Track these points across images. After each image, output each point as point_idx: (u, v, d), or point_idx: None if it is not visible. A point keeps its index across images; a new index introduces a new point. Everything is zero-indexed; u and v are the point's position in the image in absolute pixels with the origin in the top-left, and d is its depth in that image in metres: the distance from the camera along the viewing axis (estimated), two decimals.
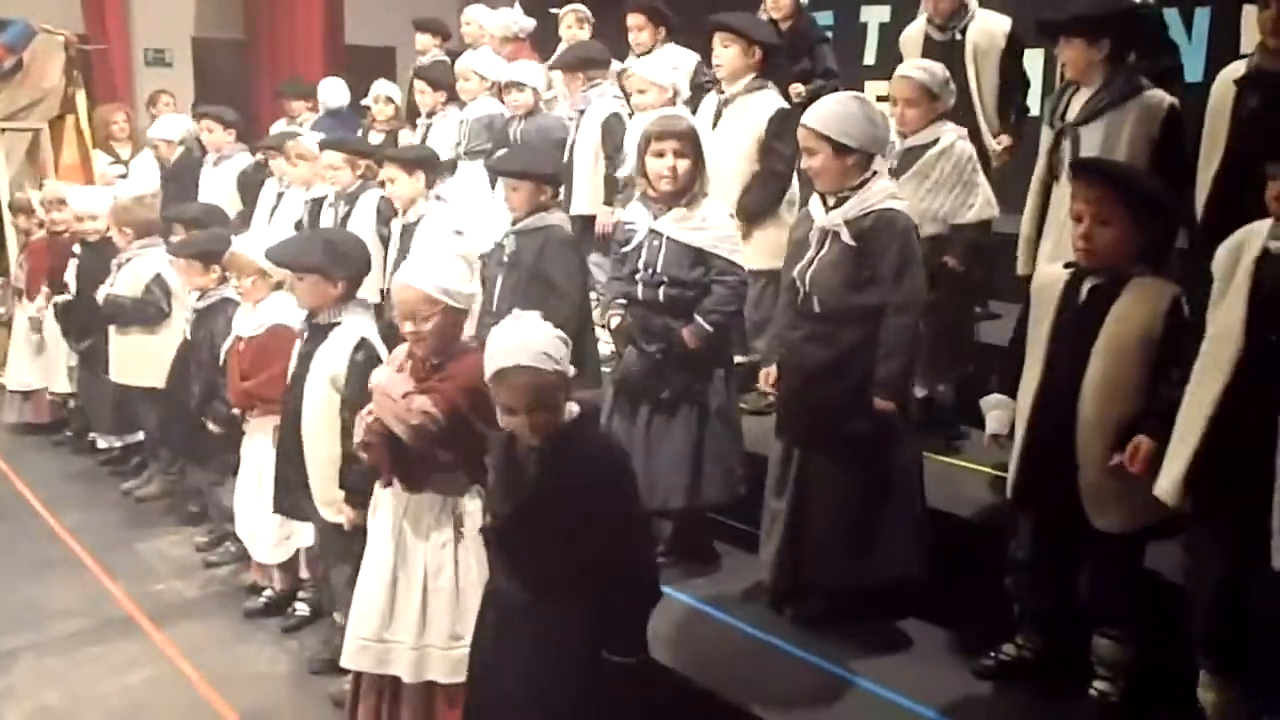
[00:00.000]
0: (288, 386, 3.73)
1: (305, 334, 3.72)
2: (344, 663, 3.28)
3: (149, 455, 5.78)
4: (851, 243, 3.31)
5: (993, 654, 3.27)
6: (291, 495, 3.74)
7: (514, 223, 4.20)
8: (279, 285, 4.18)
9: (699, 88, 5.18)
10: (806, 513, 3.49)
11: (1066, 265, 3.00)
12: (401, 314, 3.08)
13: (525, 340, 2.54)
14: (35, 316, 6.46)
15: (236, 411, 4.28)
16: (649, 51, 5.52)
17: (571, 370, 2.56)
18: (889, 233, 3.30)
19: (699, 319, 3.73)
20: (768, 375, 3.65)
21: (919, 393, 4.08)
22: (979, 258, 4.26)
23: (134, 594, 4.64)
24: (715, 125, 4.70)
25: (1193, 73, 5.43)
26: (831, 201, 3.40)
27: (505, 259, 4.17)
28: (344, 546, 3.65)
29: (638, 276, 3.81)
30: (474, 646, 2.85)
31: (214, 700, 3.84)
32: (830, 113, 3.36)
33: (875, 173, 3.40)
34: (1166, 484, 2.61)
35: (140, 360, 5.36)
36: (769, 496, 3.63)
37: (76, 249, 6.00)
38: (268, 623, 4.36)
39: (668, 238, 3.75)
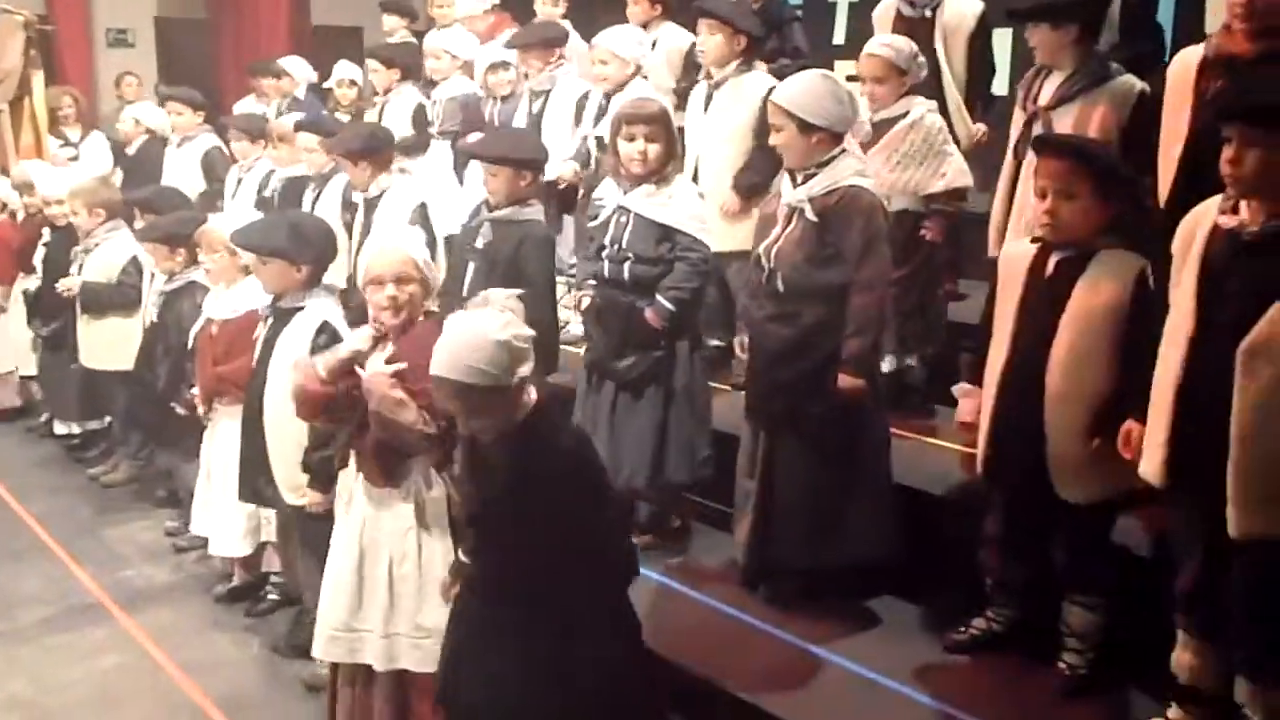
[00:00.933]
0: (251, 371, 3.70)
1: (269, 318, 3.69)
2: (315, 653, 3.27)
3: (117, 440, 5.73)
4: (814, 218, 3.32)
5: (963, 628, 3.30)
6: (255, 481, 3.71)
7: (490, 208, 4.14)
8: (249, 268, 4.14)
9: (695, 67, 5.14)
10: (775, 493, 3.50)
11: (1033, 240, 3.02)
12: (382, 279, 3.01)
13: (458, 352, 2.46)
14: (1, 302, 6.39)
15: (198, 400, 4.21)
16: (645, 25, 5.48)
17: (518, 377, 2.47)
18: (853, 209, 3.31)
19: (660, 298, 3.73)
20: (743, 344, 3.67)
21: (886, 367, 4.09)
22: (950, 233, 4.27)
23: (102, 580, 4.61)
24: (706, 110, 4.69)
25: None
26: (799, 179, 3.40)
27: (479, 245, 4.12)
28: (308, 532, 3.63)
29: (604, 254, 3.82)
30: (450, 635, 2.82)
31: (185, 686, 3.82)
32: (796, 90, 3.37)
33: (844, 150, 3.40)
34: (1149, 467, 2.64)
35: (111, 344, 5.32)
36: (740, 476, 3.64)
37: (45, 234, 5.93)
38: (238, 608, 4.33)
39: (635, 214, 3.75)
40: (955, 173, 4.12)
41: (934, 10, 4.85)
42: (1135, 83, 3.52)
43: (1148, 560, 3.16)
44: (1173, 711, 2.79)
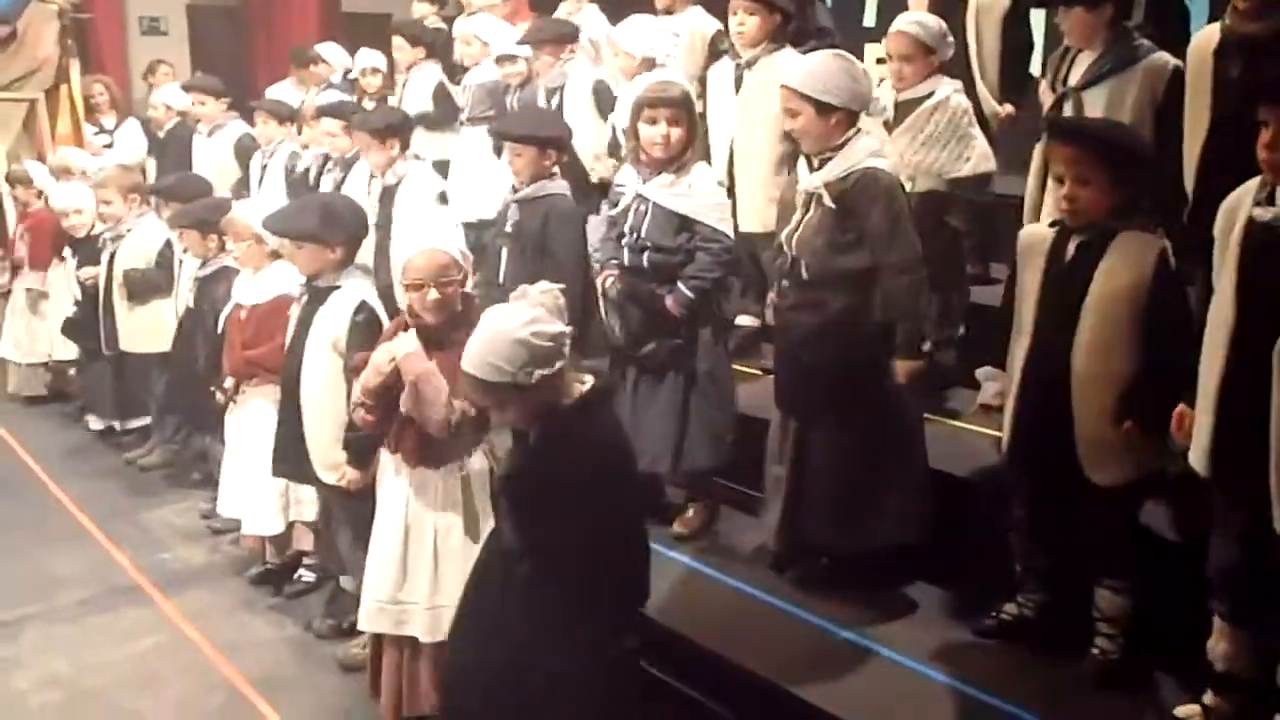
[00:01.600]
0: (287, 350, 3.74)
1: (304, 298, 3.72)
2: (361, 625, 3.33)
3: (153, 424, 5.80)
4: (831, 205, 3.29)
5: (994, 613, 3.29)
6: (291, 459, 3.75)
7: (515, 190, 4.17)
8: (276, 253, 4.18)
9: (718, 54, 5.11)
10: (805, 478, 3.49)
11: (1052, 224, 3.00)
12: (423, 280, 3.06)
13: (480, 348, 2.47)
14: (38, 288, 6.48)
15: (230, 383, 4.26)
16: (669, 11, 5.46)
17: (538, 375, 2.44)
18: (872, 192, 3.27)
19: (681, 286, 3.71)
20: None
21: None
22: (976, 217, 4.23)
23: (140, 563, 4.67)
24: (738, 92, 4.64)
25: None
26: (815, 163, 3.37)
27: (509, 229, 4.15)
28: (347, 509, 3.68)
29: (624, 241, 3.82)
30: (470, 585, 2.83)
31: (222, 666, 3.87)
32: (810, 72, 3.33)
33: (859, 130, 3.36)
34: (1194, 455, 2.62)
35: (149, 328, 5.40)
36: (771, 462, 3.64)
37: (68, 253, 6.00)
38: (272, 589, 4.38)
39: (654, 203, 3.74)
40: (979, 157, 4.07)
41: None
42: (1168, 60, 3.47)
43: (1178, 545, 3.13)
44: (1208, 698, 2.77)
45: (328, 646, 3.92)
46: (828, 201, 3.30)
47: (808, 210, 3.38)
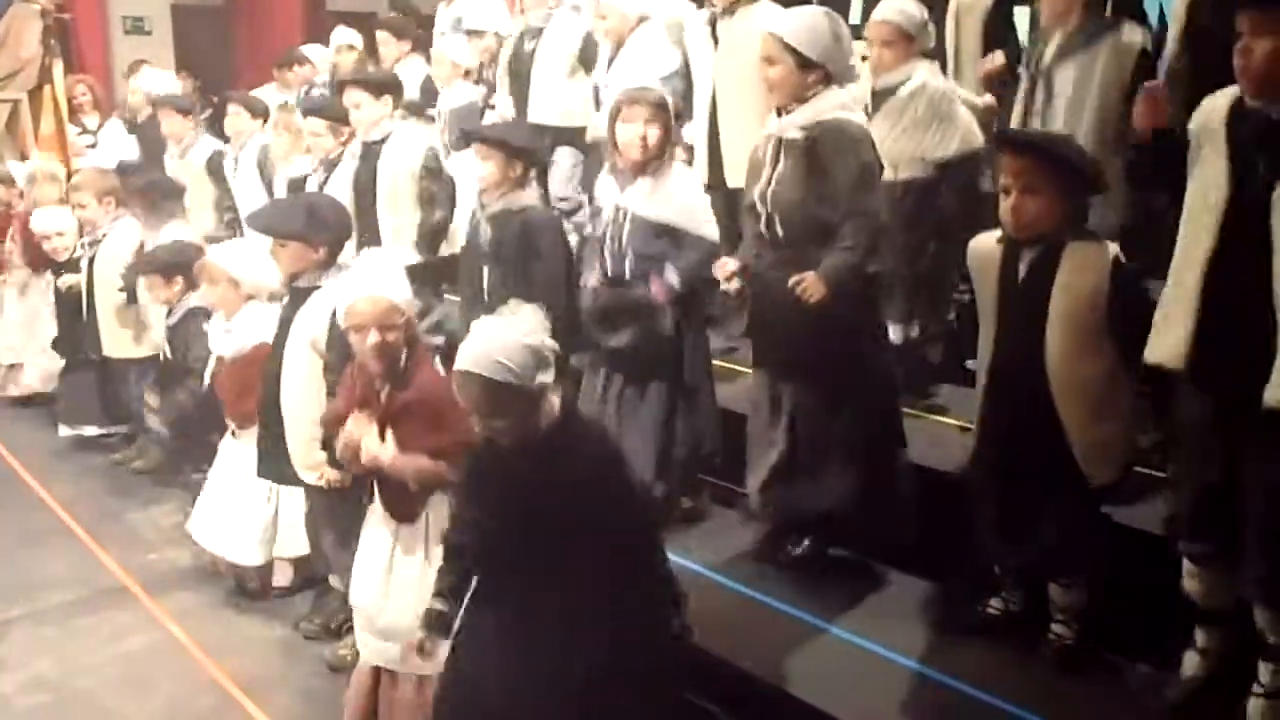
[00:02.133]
0: (268, 354, 3.72)
1: (285, 298, 3.70)
2: (363, 655, 3.31)
3: (140, 426, 5.76)
4: (799, 139, 3.25)
5: (980, 608, 3.31)
6: (275, 460, 3.74)
7: (484, 205, 4.08)
8: (250, 296, 4.12)
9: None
10: (799, 439, 3.47)
11: (999, 239, 3.00)
12: (364, 324, 3.02)
13: (485, 346, 2.47)
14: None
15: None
16: None
17: (539, 382, 2.47)
18: (842, 140, 3.24)
19: (669, 272, 3.69)
20: (723, 264, 3.55)
21: (896, 339, 4.06)
22: (967, 194, 4.19)
23: (126, 564, 4.65)
24: (716, 47, 4.61)
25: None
26: (783, 112, 3.35)
27: (486, 248, 4.06)
28: (329, 510, 3.67)
29: (606, 250, 3.80)
30: (451, 655, 2.76)
31: (209, 667, 3.86)
32: (800, 25, 3.31)
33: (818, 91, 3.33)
34: (1167, 351, 2.57)
35: (133, 334, 5.39)
36: (757, 432, 3.59)
37: (50, 277, 5.98)
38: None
39: (632, 213, 3.73)
40: (965, 134, 4.06)
41: None
42: (1136, 37, 3.48)
43: (1143, 534, 3.14)
44: (1199, 637, 2.79)
45: (316, 647, 3.92)
46: (794, 137, 3.26)
47: (776, 162, 3.34)
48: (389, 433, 3.06)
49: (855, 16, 7.31)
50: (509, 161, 3.97)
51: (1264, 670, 2.65)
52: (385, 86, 5.00)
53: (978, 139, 4.11)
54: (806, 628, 3.40)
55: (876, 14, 4.18)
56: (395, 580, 3.17)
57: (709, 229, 3.78)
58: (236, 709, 3.64)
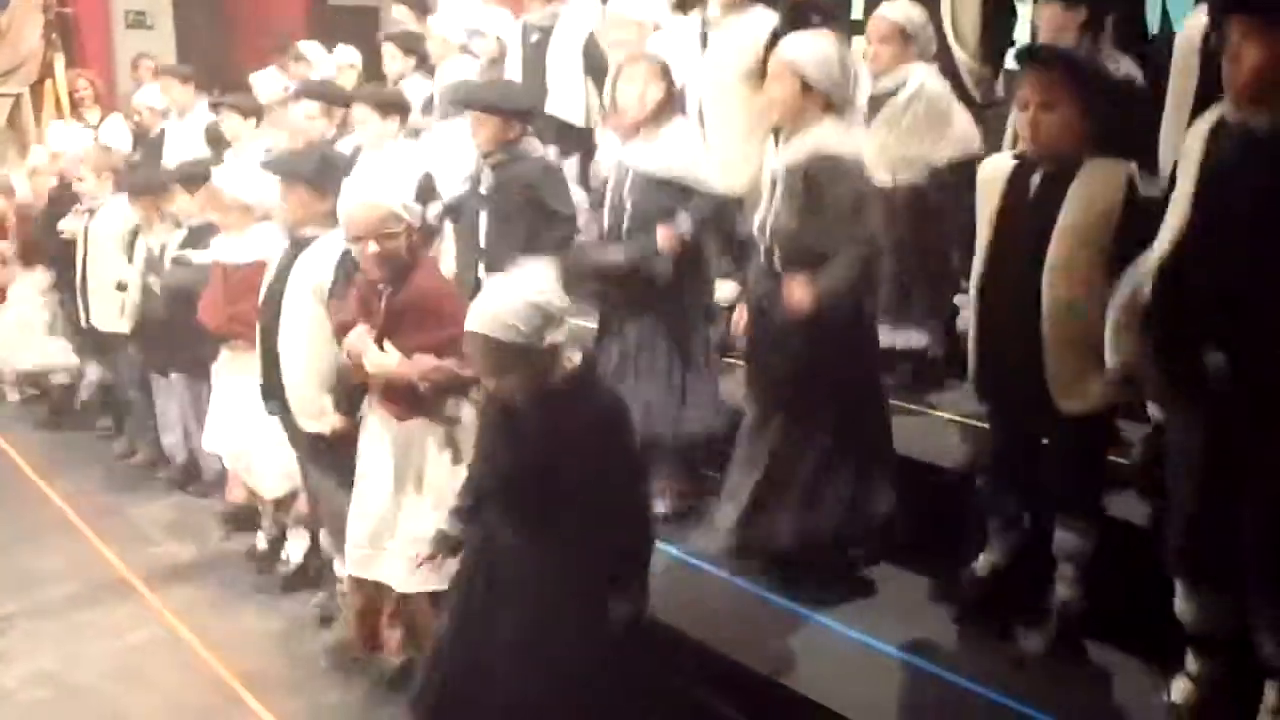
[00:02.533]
0: (265, 299, 3.70)
1: (283, 248, 3.69)
2: (346, 569, 3.36)
3: (124, 411, 5.81)
4: (798, 183, 3.26)
5: (969, 570, 3.29)
6: (276, 405, 3.73)
7: (486, 154, 4.10)
8: (264, 217, 4.15)
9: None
10: (778, 472, 3.46)
11: (1015, 156, 2.96)
12: (363, 233, 3.08)
13: (493, 306, 2.50)
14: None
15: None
16: None
17: (548, 341, 2.50)
18: (836, 171, 3.25)
19: (680, 219, 3.70)
20: (740, 317, 3.64)
21: (901, 344, 4.07)
22: (961, 200, 4.21)
23: (128, 558, 4.67)
24: (704, 48, 4.60)
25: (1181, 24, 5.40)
26: (782, 140, 3.37)
27: (485, 191, 4.09)
28: (327, 458, 3.65)
29: (606, 205, 3.85)
30: (456, 595, 2.85)
31: (210, 661, 3.87)
32: (808, 49, 3.31)
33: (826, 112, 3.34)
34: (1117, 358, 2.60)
35: (118, 308, 5.40)
36: (739, 457, 3.59)
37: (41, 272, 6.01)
38: (261, 583, 4.38)
39: (634, 169, 3.76)
40: (963, 137, 4.05)
41: None
42: (1126, 63, 3.47)
43: (1140, 527, 3.14)
44: (1190, 664, 2.74)
45: (314, 640, 3.93)
46: (792, 179, 3.27)
47: (774, 195, 3.36)
48: (391, 339, 3.09)
49: (858, 11, 7.33)
50: (505, 124, 4.04)
51: (1270, 691, 2.59)
52: (393, 107, 5.02)
53: (975, 141, 4.10)
54: (802, 620, 3.40)
55: (878, 10, 4.17)
56: (400, 490, 3.20)
57: (715, 182, 3.80)
58: (237, 703, 3.65)
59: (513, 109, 4.08)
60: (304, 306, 3.55)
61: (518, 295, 2.50)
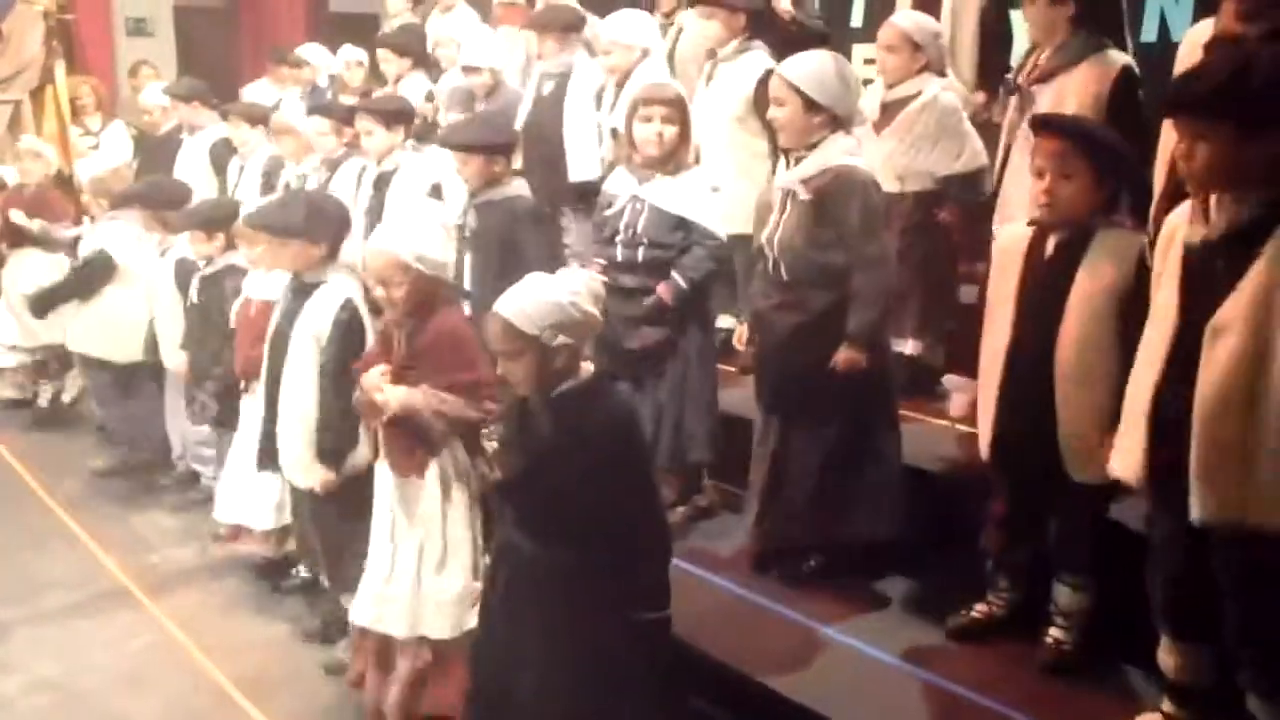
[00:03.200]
0: (269, 347, 3.73)
1: (288, 294, 3.71)
2: (351, 617, 3.34)
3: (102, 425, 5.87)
4: (807, 197, 3.32)
5: (964, 612, 3.31)
6: (273, 453, 3.74)
7: (473, 194, 4.20)
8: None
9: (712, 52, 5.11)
10: (786, 476, 3.52)
11: (1030, 223, 3.01)
12: (375, 278, 3.14)
13: (520, 292, 2.61)
14: None
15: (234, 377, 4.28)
16: (671, 13, 5.46)
17: (560, 340, 2.57)
18: (848, 189, 3.31)
19: (676, 275, 3.75)
20: (740, 335, 3.73)
21: (909, 350, 4.11)
22: (966, 214, 4.24)
23: (128, 565, 4.67)
24: (708, 84, 4.69)
25: (1179, 32, 5.42)
26: (792, 161, 3.42)
27: (468, 234, 4.17)
28: (317, 513, 3.67)
29: (617, 238, 3.84)
30: (483, 601, 2.92)
31: (210, 669, 3.88)
32: (807, 68, 3.36)
33: (837, 132, 3.39)
34: (1125, 467, 2.62)
35: (98, 335, 5.45)
36: (754, 467, 3.66)
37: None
38: (262, 590, 4.40)
39: (649, 204, 3.78)
40: (970, 154, 4.09)
41: None
42: (1118, 58, 3.50)
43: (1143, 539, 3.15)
44: (1166, 705, 2.77)
45: (314, 648, 3.93)
46: (803, 196, 3.33)
47: (784, 210, 3.40)
48: (409, 382, 3.10)
49: (858, 19, 7.36)
50: (489, 159, 4.14)
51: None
52: (398, 116, 5.03)
53: (982, 156, 4.13)
54: (798, 629, 3.41)
55: (889, 19, 4.22)
56: (399, 545, 3.20)
57: (717, 226, 3.82)
58: (237, 710, 3.65)
59: (492, 144, 4.15)
60: (306, 355, 3.56)
61: (544, 290, 2.60)
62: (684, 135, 3.79)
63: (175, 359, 4.99)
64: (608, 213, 3.92)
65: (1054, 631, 3.10)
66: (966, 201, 4.18)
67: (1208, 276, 2.43)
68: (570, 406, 2.62)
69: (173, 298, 4.98)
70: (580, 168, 5.23)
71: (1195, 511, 2.40)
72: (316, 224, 3.58)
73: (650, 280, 3.79)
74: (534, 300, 2.58)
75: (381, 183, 5.02)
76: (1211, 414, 2.36)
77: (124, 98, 9.18)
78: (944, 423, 4.13)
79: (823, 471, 3.45)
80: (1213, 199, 2.43)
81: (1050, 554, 3.09)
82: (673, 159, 3.78)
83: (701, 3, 4.59)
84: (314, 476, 3.55)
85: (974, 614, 3.30)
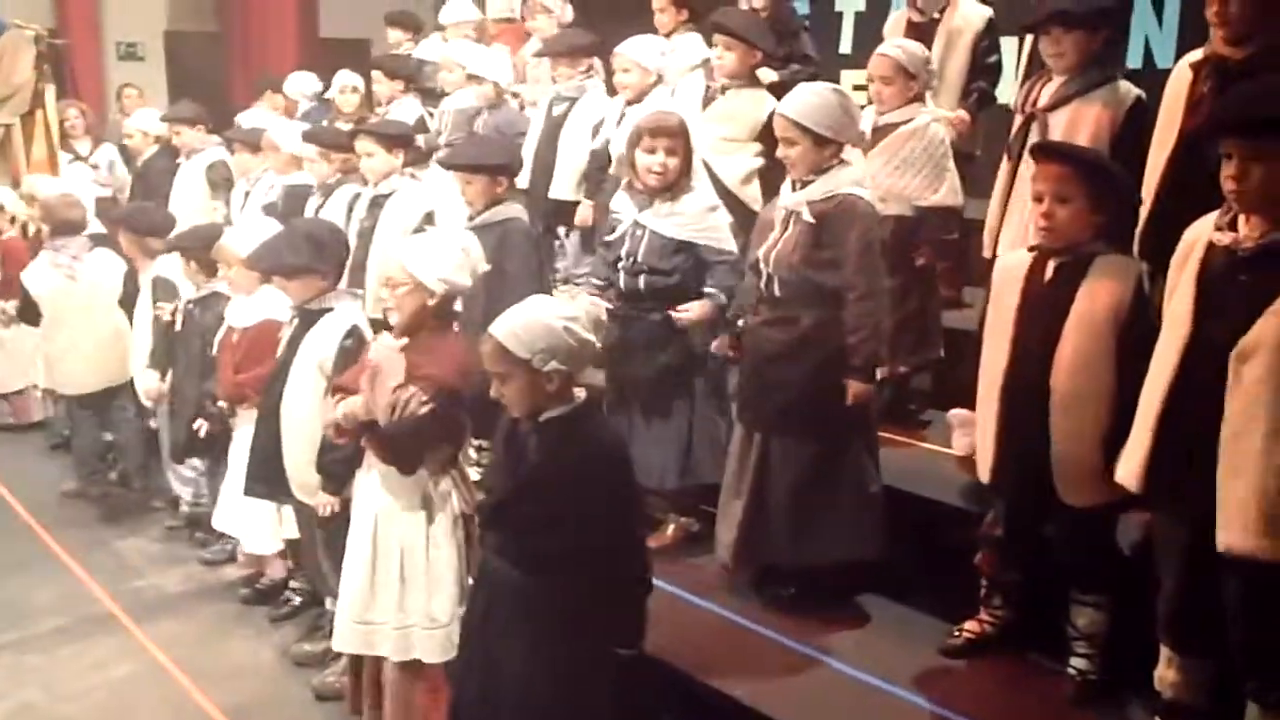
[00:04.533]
0: (273, 371, 3.74)
1: (294, 320, 3.72)
2: (335, 645, 3.33)
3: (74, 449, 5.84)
4: (811, 219, 3.36)
5: (957, 632, 3.31)
6: (265, 479, 3.75)
7: (471, 218, 4.26)
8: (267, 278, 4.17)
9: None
10: (766, 493, 3.52)
11: (1031, 248, 3.04)
12: (380, 281, 3.20)
13: (514, 314, 2.63)
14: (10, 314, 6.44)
15: (222, 405, 4.28)
16: (670, 33, 5.51)
17: (551, 365, 2.57)
18: (850, 216, 3.36)
19: (711, 289, 3.77)
20: (723, 343, 3.75)
21: (882, 374, 4.11)
22: (944, 246, 4.29)
23: (113, 590, 4.64)
24: (705, 108, 4.72)
25: (1164, 59, 5.48)
26: (798, 185, 3.46)
27: None
28: (324, 533, 3.66)
29: (620, 265, 3.86)
30: (463, 624, 2.92)
31: (196, 695, 3.84)
32: (810, 105, 3.40)
33: (842, 161, 3.45)
34: (1127, 472, 2.65)
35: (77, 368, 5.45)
36: (729, 482, 3.64)
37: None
38: (249, 616, 4.36)
39: (650, 230, 3.80)
40: (948, 190, 4.14)
41: (941, 13, 4.88)
42: (1131, 89, 3.55)
43: (1148, 562, 3.15)
44: None
45: (302, 674, 3.90)
46: (807, 217, 3.37)
47: (785, 229, 3.43)
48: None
49: (846, 46, 7.43)
50: (492, 180, 4.19)
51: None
52: (398, 140, 5.05)
53: (958, 196, 4.20)
54: (785, 651, 3.40)
55: (879, 49, 4.26)
56: (379, 571, 3.19)
57: (729, 243, 3.86)
58: None
59: (495, 165, 4.20)
60: (308, 380, 3.59)
61: (539, 313, 2.61)
62: (687, 164, 3.82)
63: (146, 380, 4.99)
64: (609, 238, 3.94)
65: (1076, 662, 3.08)
66: (938, 237, 4.22)
67: (1228, 286, 2.47)
68: (556, 433, 2.63)
69: (147, 316, 5.01)
70: (559, 186, 5.30)
71: (1222, 538, 2.42)
72: (321, 256, 3.61)
73: (653, 306, 3.80)
74: (527, 323, 2.58)
75: (376, 205, 5.02)
76: (1236, 440, 2.39)
77: (113, 121, 9.18)
78: (928, 446, 4.14)
79: (804, 490, 3.45)
80: (1244, 219, 2.47)
81: (1065, 576, 3.08)
82: (675, 187, 3.80)
83: (724, 34, 4.61)
84: (321, 498, 3.54)
85: (966, 634, 3.30)
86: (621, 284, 3.86)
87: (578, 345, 2.60)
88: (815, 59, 5.41)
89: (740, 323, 3.69)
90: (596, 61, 5.63)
